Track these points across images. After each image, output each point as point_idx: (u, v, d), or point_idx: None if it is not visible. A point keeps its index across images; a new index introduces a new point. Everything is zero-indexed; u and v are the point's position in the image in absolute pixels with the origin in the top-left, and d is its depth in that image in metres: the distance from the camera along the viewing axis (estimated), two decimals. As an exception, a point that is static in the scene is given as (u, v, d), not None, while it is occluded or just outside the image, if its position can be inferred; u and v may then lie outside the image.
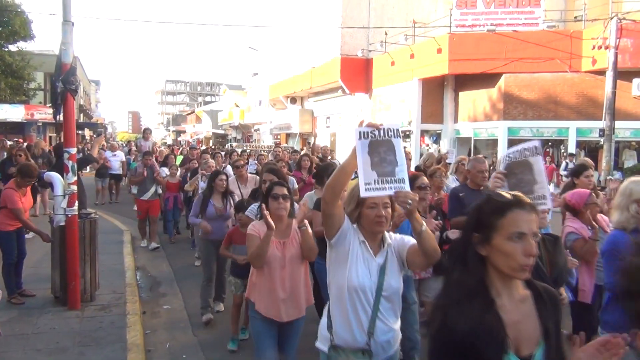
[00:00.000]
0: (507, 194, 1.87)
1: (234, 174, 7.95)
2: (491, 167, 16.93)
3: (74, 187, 6.13)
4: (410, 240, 2.92)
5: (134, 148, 18.46)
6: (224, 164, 10.79)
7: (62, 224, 6.10)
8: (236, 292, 5.52)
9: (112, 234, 10.83)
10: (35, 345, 5.12)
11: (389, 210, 2.89)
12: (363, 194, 2.61)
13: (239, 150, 19.61)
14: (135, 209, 11.41)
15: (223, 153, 14.06)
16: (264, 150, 19.55)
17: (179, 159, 14.93)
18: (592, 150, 18.86)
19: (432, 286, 5.18)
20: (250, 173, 8.46)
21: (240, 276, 5.40)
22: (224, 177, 6.70)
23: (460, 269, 1.84)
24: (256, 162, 10.38)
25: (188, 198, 10.10)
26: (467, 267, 1.82)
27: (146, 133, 14.33)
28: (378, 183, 2.60)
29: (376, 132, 2.65)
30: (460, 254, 1.87)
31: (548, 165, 18.19)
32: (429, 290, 5.21)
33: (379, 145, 2.64)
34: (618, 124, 16.91)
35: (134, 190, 10.33)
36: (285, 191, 4.00)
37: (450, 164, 9.63)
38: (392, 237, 3.00)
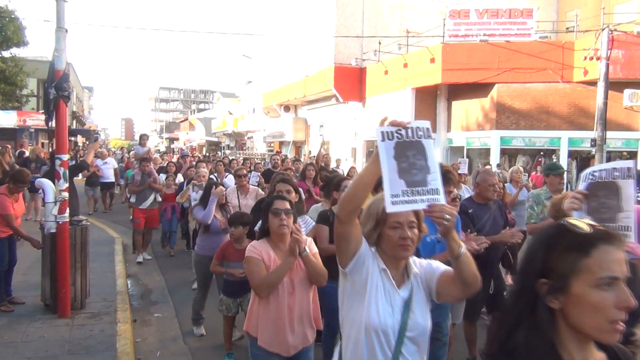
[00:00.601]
0: (580, 223, 1.41)
1: (235, 184, 7.70)
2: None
3: (66, 194, 6.10)
4: (440, 266, 2.47)
5: (126, 155, 17.90)
6: (226, 174, 10.46)
7: (53, 231, 6.06)
8: (228, 314, 5.20)
9: (104, 242, 10.77)
10: (24, 354, 5.07)
11: (415, 230, 2.42)
12: (390, 208, 2.14)
13: (240, 158, 19.34)
14: (132, 218, 10.78)
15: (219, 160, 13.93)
16: (257, 158, 19.57)
17: None
18: (583, 160, 18.96)
19: (459, 310, 4.96)
20: (252, 185, 8.10)
21: (233, 295, 5.12)
22: (223, 187, 6.42)
23: (527, 329, 1.38)
24: (259, 174, 9.92)
25: (184, 208, 9.74)
26: (536, 327, 1.38)
27: (142, 139, 13.60)
28: (407, 194, 2.15)
29: (402, 132, 2.23)
30: (523, 309, 1.41)
31: (539, 175, 18.27)
32: (456, 314, 4.99)
33: (407, 148, 2.22)
34: (609, 134, 17.02)
35: (133, 198, 9.87)
36: (288, 205, 3.55)
37: (462, 174, 9.54)
38: (417, 263, 2.51)
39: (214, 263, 5.24)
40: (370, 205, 2.49)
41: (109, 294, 7.01)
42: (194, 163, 11.72)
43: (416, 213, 2.39)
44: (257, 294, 3.44)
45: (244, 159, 14.84)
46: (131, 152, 19.51)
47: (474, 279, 2.26)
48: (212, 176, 10.35)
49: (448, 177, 4.67)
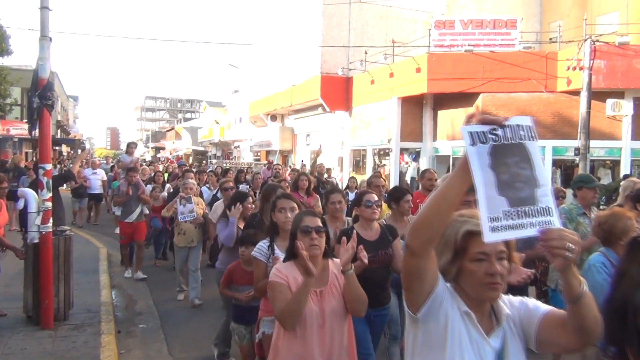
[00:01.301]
0: None
1: (223, 198, 7.29)
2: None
3: (49, 204, 6.03)
4: (540, 307, 1.93)
5: (116, 167, 16.40)
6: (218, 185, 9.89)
7: (36, 241, 5.98)
8: (241, 343, 4.63)
9: (88, 252, 10.65)
10: (5, 367, 4.98)
11: (506, 262, 1.87)
12: (489, 237, 1.62)
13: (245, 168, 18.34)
14: (118, 232, 10.27)
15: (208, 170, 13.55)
16: (253, 169, 19.44)
17: (166, 178, 14.21)
18: (567, 168, 19.18)
19: None
20: None
21: (244, 322, 4.58)
22: (241, 206, 5.56)
23: None
24: (248, 186, 9.24)
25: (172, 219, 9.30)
26: None
27: (130, 147, 12.59)
28: (512, 217, 1.62)
29: (500, 132, 1.70)
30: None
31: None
32: None
33: (506, 154, 1.68)
34: (593, 143, 17.22)
35: (117, 211, 9.28)
36: (319, 222, 3.06)
37: None
38: (508, 302, 1.96)
39: (222, 286, 4.89)
40: (446, 230, 1.88)
41: (93, 305, 6.93)
42: (180, 173, 11.20)
43: (506, 242, 1.85)
44: (282, 325, 2.92)
45: (239, 171, 14.02)
46: (110, 159, 18.97)
47: (595, 324, 1.73)
48: (243, 186, 10.42)
49: None
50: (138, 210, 9.06)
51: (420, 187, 7.12)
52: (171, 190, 10.38)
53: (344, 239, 3.00)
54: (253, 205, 5.65)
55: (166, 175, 14.90)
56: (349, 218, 5.02)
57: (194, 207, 7.40)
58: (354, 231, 3.99)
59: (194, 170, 13.94)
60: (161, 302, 7.71)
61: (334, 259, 3.09)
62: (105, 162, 23.07)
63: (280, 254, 3.55)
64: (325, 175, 15.80)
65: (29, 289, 6.21)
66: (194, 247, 7.65)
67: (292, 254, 3.05)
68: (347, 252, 2.88)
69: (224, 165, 25.39)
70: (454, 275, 1.91)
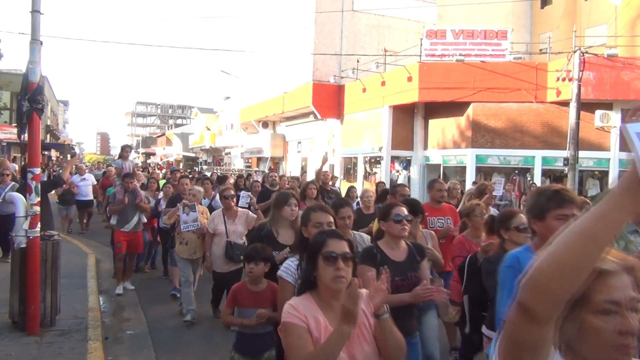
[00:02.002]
0: None
1: (222, 206, 6.88)
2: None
3: (37, 208, 5.97)
4: None
5: (110, 172, 14.99)
6: (213, 193, 9.49)
7: (23, 245, 5.92)
8: None
9: (76, 257, 10.54)
10: (-11, 373, 4.91)
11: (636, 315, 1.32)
12: None
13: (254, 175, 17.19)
14: (112, 241, 9.40)
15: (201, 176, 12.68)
16: (234, 174, 19.26)
17: (162, 184, 13.23)
18: (556, 178, 19.28)
19: None
20: (242, 207, 7.30)
21: (249, 354, 3.90)
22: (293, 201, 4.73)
23: None
24: (249, 194, 8.62)
25: (161, 230, 9.01)
26: None
27: (125, 151, 11.15)
28: None
29: None
30: None
31: (516, 193, 18.52)
32: None
33: None
34: (581, 153, 17.38)
35: (113, 220, 8.53)
36: (346, 247, 2.45)
37: (500, 196, 9.07)
38: None
39: (225, 312, 4.15)
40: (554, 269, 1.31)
41: (80, 311, 6.85)
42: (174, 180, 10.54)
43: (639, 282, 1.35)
44: None
45: (238, 176, 13.20)
46: (109, 167, 17.25)
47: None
48: (244, 193, 9.48)
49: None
50: (135, 219, 8.48)
51: (428, 198, 6.43)
52: (159, 198, 9.64)
53: (372, 274, 2.47)
54: (296, 209, 4.67)
55: (162, 182, 13.79)
56: (355, 232, 4.47)
57: (198, 217, 6.92)
58: (376, 251, 3.63)
59: (193, 176, 13.42)
60: (149, 308, 7.65)
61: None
62: (96, 168, 22.51)
63: None
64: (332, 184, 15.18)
65: (15, 294, 6.13)
66: (197, 259, 7.24)
67: (309, 284, 2.46)
68: (379, 294, 2.35)
69: (216, 170, 25.18)
70: (571, 334, 1.36)
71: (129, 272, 8.72)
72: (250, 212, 6.86)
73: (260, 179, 14.93)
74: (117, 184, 8.79)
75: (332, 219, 3.47)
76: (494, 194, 7.76)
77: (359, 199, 9.01)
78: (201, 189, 8.17)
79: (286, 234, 4.52)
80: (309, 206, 3.85)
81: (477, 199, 6.35)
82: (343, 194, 10.14)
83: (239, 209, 6.83)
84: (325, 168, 10.37)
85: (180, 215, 6.97)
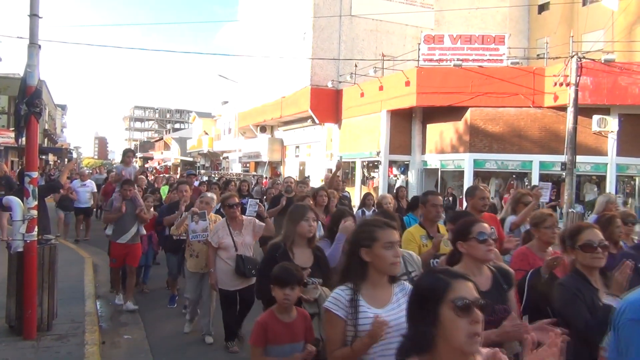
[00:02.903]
0: None
1: (226, 216, 6.14)
2: (447, 198, 17.22)
3: (34, 212, 5.95)
4: None
5: (110, 178, 13.63)
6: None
7: (20, 249, 5.90)
8: None
9: (73, 261, 10.51)
10: (-15, 377, 4.89)
11: None
12: None
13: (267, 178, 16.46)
14: (109, 253, 8.69)
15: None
16: (234, 178, 19.03)
17: (166, 190, 12.43)
18: (554, 183, 19.32)
19: None
20: (249, 215, 6.47)
21: None
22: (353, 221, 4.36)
23: None
24: (257, 201, 7.43)
25: (165, 237, 8.16)
26: None
27: (127, 156, 9.28)
28: None
29: None
30: None
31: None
32: None
33: None
34: (579, 158, 17.42)
35: (109, 230, 7.76)
36: (474, 288, 1.91)
37: (545, 202, 8.49)
38: None
39: (256, 354, 3.30)
40: None
41: (77, 315, 6.82)
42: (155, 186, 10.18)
43: None
44: None
45: (241, 182, 12.05)
46: (112, 173, 15.59)
47: None
48: (252, 201, 7.64)
49: None
50: (133, 230, 7.72)
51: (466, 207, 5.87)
52: (152, 203, 8.90)
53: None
54: (314, 224, 4.13)
55: (166, 188, 12.93)
56: (404, 251, 4.13)
57: (208, 226, 6.27)
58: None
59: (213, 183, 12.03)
60: (147, 312, 7.61)
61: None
62: (98, 172, 21.20)
63: (369, 310, 2.59)
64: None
65: (12, 298, 6.10)
66: (207, 273, 6.32)
67: (423, 345, 1.84)
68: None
69: (214, 174, 24.94)
70: None
71: (129, 290, 7.81)
72: (257, 220, 6.08)
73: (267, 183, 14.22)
74: (116, 191, 8.00)
75: (398, 238, 2.84)
76: (541, 200, 6.82)
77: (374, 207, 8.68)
78: (214, 195, 7.30)
79: (303, 255, 3.97)
80: (367, 220, 3.03)
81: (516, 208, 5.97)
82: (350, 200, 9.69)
83: (244, 217, 6.11)
84: (311, 172, 10.17)
85: (189, 225, 6.35)
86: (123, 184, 7.84)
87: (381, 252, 2.61)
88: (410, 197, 8.65)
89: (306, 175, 25.46)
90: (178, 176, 18.17)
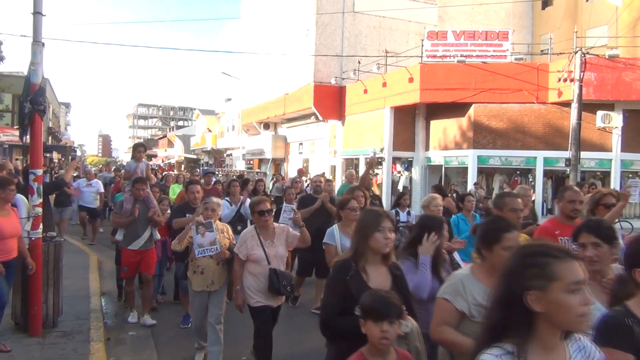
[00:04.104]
0: None
1: (255, 224, 5.13)
2: (451, 195, 17.13)
3: (39, 210, 5.98)
4: None
5: (119, 177, 12.66)
6: (242, 197, 8.06)
7: (26, 247, 5.93)
8: None
9: (78, 258, 10.56)
10: (-8, 374, 4.92)
11: None
12: None
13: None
14: (116, 259, 8.01)
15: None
16: (236, 175, 18.86)
17: (176, 189, 11.66)
18: (558, 179, 19.29)
19: None
20: (283, 222, 5.75)
21: None
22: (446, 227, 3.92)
23: None
24: (293, 207, 6.61)
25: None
26: None
27: (138, 151, 8.06)
28: None
29: None
30: None
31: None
32: None
33: None
34: (583, 154, 17.38)
35: (119, 235, 6.88)
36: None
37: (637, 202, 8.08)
38: None
39: None
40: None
41: (82, 312, 6.86)
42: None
43: None
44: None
45: (257, 181, 10.87)
46: (122, 171, 14.62)
47: None
48: (287, 206, 7.08)
49: None
50: (147, 235, 6.89)
51: (556, 211, 5.33)
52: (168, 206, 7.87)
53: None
54: (392, 236, 3.20)
55: (176, 187, 12.07)
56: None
57: (217, 237, 5.31)
58: None
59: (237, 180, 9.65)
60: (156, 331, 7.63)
61: None
62: (106, 169, 19.86)
63: None
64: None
65: (17, 296, 6.15)
66: (216, 291, 5.43)
67: (524, 327, 1.77)
68: None
69: (231, 172, 23.97)
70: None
71: (147, 301, 7.05)
72: (290, 229, 5.22)
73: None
74: (126, 191, 7.14)
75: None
76: (630, 201, 5.83)
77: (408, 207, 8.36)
78: (220, 200, 6.15)
79: (379, 275, 3.15)
80: (531, 245, 2.03)
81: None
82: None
83: (276, 225, 5.18)
84: (317, 170, 9.74)
85: (193, 237, 5.31)
86: (135, 182, 6.96)
87: (563, 298, 1.74)
88: (413, 195, 8.57)
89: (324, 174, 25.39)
90: (187, 174, 16.82)
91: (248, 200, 7.10)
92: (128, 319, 6.94)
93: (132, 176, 7.34)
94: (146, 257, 6.89)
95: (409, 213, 8.29)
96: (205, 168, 24.37)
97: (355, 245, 3.18)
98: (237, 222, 7.55)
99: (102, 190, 13.82)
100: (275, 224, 5.16)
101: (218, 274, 5.41)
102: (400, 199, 8.49)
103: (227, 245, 5.46)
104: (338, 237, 5.26)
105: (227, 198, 8.12)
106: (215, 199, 5.82)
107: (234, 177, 11.94)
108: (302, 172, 18.73)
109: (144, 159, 7.93)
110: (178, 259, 6.81)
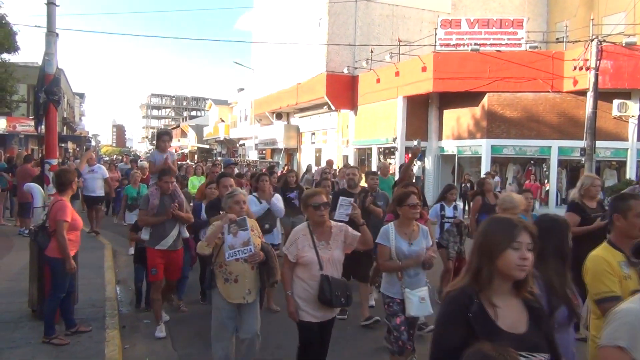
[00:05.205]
0: None
1: (309, 220, 4.34)
2: (465, 185, 17.05)
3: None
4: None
5: (143, 170, 11.73)
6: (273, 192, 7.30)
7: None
8: None
9: (93, 247, 10.65)
10: (10, 360, 5.01)
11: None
12: None
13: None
14: (132, 253, 7.74)
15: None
16: (251, 166, 18.72)
17: (195, 182, 11.07)
18: (573, 169, 19.12)
19: None
20: (339, 221, 4.61)
21: None
22: None
23: None
24: (351, 201, 4.89)
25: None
26: None
27: (163, 140, 7.20)
28: None
29: None
30: None
31: (532, 184, 18.40)
32: None
33: None
34: (599, 143, 17.19)
35: (145, 234, 6.12)
36: None
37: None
38: None
39: None
40: None
41: (98, 300, 6.94)
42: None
43: None
44: None
45: (290, 171, 10.09)
46: (144, 162, 14.11)
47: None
48: (342, 209, 5.08)
49: None
50: (175, 232, 6.11)
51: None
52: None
53: None
54: (530, 256, 2.29)
55: (195, 179, 11.41)
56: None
57: (251, 237, 4.41)
58: None
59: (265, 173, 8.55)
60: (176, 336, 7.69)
61: None
62: (122, 161, 19.44)
63: None
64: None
65: (34, 284, 6.23)
66: (251, 303, 4.56)
67: None
68: None
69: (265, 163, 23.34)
70: None
71: (158, 310, 6.19)
72: (349, 228, 4.34)
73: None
74: (151, 184, 6.49)
75: None
76: None
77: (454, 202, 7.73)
78: (245, 191, 5.22)
79: (511, 311, 2.21)
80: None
81: None
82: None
83: (333, 224, 4.31)
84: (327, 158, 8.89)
85: (224, 238, 4.38)
86: (161, 175, 6.16)
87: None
88: (426, 184, 7.87)
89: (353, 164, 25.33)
90: (207, 164, 15.60)
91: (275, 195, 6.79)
92: (156, 332, 6.06)
93: (158, 168, 6.57)
94: (173, 259, 6.13)
95: (455, 207, 7.60)
96: (227, 158, 23.36)
97: (477, 268, 2.23)
98: (264, 219, 6.77)
99: (107, 175, 12.96)
100: (332, 222, 4.33)
101: (255, 281, 4.56)
102: (447, 192, 7.62)
103: (260, 245, 4.57)
104: (393, 238, 4.64)
105: (255, 193, 7.16)
106: (241, 190, 4.97)
107: (262, 170, 10.78)
108: (331, 164, 17.48)
109: (169, 150, 7.09)
110: (204, 263, 5.85)
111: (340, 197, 5.25)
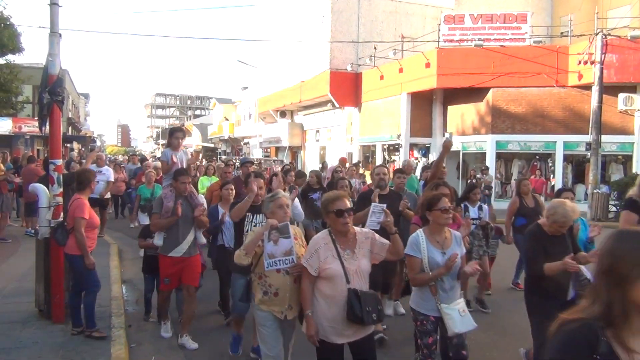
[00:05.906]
0: None
1: (331, 228, 3.84)
2: (471, 181, 17.02)
3: (59, 199, 6.07)
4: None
5: (156, 171, 10.74)
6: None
7: (47, 236, 6.03)
8: None
9: (99, 247, 10.60)
10: (17, 360, 5.03)
11: None
12: None
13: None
14: (142, 255, 7.19)
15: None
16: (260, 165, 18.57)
17: (205, 182, 10.89)
18: (579, 164, 19.04)
19: None
20: (370, 227, 4.35)
21: None
22: None
23: None
24: (383, 207, 4.37)
25: (219, 249, 6.25)
26: None
27: (175, 137, 6.22)
28: None
29: None
30: None
31: (537, 179, 18.32)
32: None
33: None
34: (604, 138, 17.10)
35: (158, 239, 5.69)
36: None
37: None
38: None
39: None
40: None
41: (104, 300, 6.96)
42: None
43: None
44: None
45: (338, 170, 9.55)
46: (155, 162, 13.91)
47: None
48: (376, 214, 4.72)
49: None
50: (190, 238, 5.71)
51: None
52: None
53: None
54: None
55: (205, 179, 11.19)
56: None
57: (294, 246, 3.90)
58: None
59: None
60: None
61: None
62: (130, 161, 19.10)
63: None
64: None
65: (40, 284, 6.26)
66: (289, 320, 4.07)
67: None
68: None
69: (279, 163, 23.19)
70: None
71: (187, 322, 5.82)
72: (376, 235, 3.87)
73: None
74: (165, 186, 5.97)
75: None
76: None
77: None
78: (287, 195, 4.41)
79: None
80: None
81: None
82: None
83: (357, 230, 3.85)
84: (333, 157, 8.48)
85: (264, 246, 3.90)
86: (177, 175, 5.68)
87: None
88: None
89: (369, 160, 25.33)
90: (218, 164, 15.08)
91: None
92: (161, 332, 6.01)
93: (171, 168, 5.93)
94: (189, 265, 5.69)
95: (480, 208, 7.09)
96: (244, 157, 22.46)
97: (607, 300, 1.71)
98: None
99: (112, 179, 12.86)
100: (357, 228, 3.86)
101: (297, 296, 3.95)
102: (470, 192, 7.19)
103: (302, 253, 3.96)
104: (425, 248, 4.03)
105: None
106: (284, 193, 4.35)
107: (274, 168, 10.39)
108: (344, 162, 16.51)
109: (182, 148, 6.34)
110: (236, 269, 4.80)
111: (373, 204, 4.81)
